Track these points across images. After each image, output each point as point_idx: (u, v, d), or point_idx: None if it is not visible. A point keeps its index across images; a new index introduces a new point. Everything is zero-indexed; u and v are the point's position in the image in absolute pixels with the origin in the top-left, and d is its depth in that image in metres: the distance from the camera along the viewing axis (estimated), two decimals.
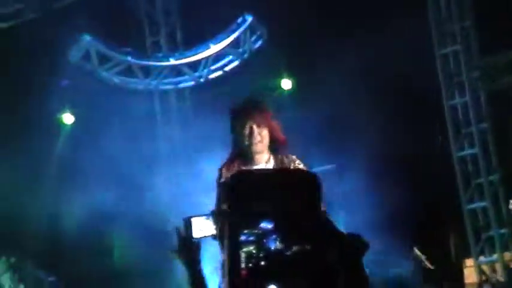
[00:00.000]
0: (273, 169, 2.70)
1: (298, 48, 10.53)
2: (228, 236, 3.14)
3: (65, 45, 10.55)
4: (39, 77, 10.31)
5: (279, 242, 3.11)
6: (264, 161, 5.16)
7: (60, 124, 10.83)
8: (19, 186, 10.03)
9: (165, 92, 11.30)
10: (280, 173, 3.13)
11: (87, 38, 10.61)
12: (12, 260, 9.09)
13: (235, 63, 11.23)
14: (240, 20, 11.10)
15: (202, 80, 11.19)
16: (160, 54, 11.01)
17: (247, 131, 5.18)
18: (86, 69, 10.73)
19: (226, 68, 11.27)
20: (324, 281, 3.10)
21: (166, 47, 11.11)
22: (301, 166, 5.17)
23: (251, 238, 3.12)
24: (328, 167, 5.70)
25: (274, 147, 5.24)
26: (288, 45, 10.55)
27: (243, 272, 3.09)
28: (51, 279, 9.30)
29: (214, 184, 5.07)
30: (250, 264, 3.09)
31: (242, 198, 3.15)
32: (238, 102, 5.46)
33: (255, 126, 5.19)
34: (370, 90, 10.12)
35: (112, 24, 10.17)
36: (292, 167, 5.09)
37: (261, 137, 5.18)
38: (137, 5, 11.08)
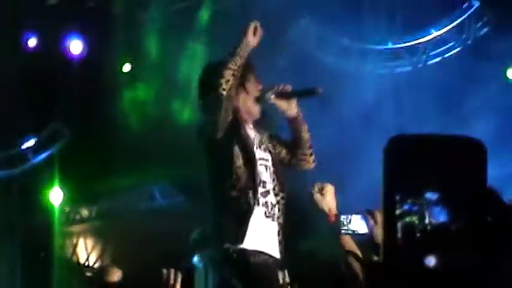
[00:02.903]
0: (436, 134, 2.46)
1: None
2: (384, 205, 2.97)
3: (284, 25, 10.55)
4: None
5: (444, 215, 2.92)
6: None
7: None
8: None
9: (380, 76, 10.94)
10: (443, 138, 2.88)
11: (306, 18, 10.57)
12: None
13: (457, 50, 10.72)
14: (465, 5, 10.58)
15: (420, 65, 10.80)
16: (377, 37, 10.74)
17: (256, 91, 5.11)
18: (302, 49, 10.68)
19: (447, 55, 10.79)
20: (491, 256, 2.88)
21: (385, 30, 10.74)
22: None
23: (414, 208, 2.96)
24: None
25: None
26: None
27: (400, 243, 2.92)
28: None
29: None
30: (410, 235, 2.92)
31: (403, 165, 2.95)
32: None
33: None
34: None
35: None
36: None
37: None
38: None
